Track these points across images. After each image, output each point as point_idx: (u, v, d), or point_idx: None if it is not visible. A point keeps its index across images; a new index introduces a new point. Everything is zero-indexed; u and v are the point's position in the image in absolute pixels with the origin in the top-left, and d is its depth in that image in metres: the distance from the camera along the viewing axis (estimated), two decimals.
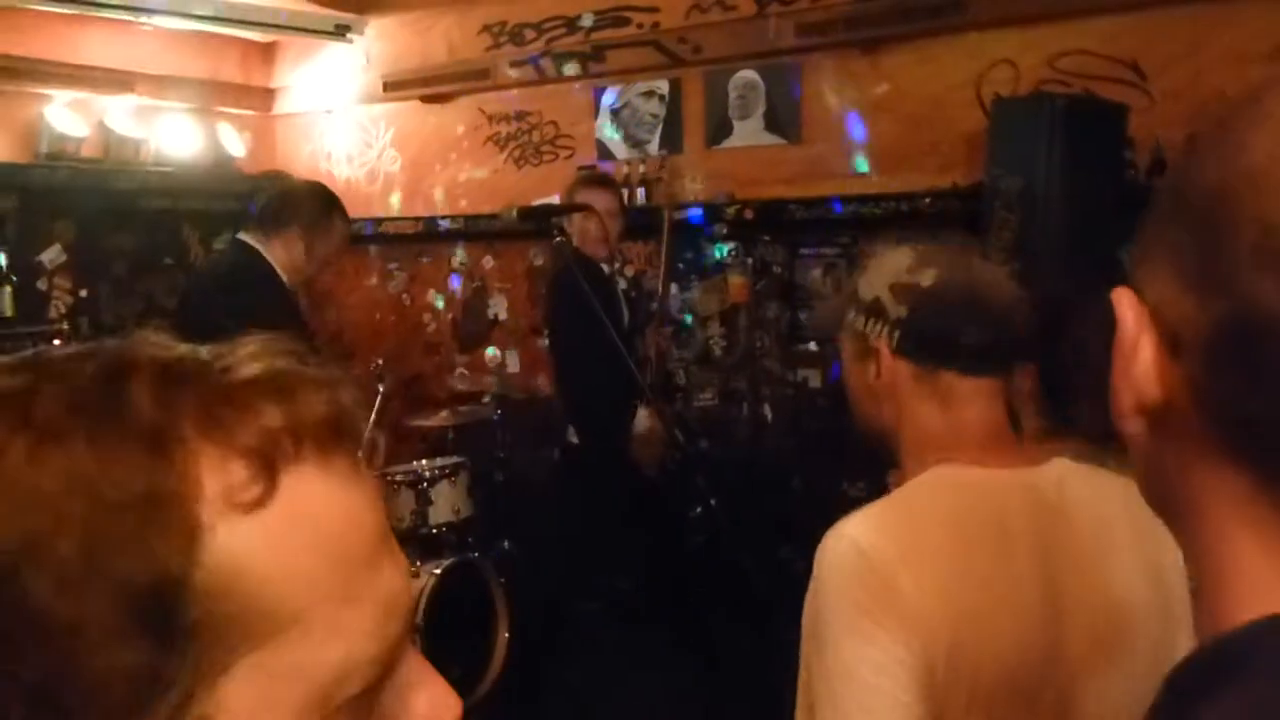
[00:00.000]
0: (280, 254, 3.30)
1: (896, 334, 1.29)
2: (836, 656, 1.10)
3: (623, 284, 3.82)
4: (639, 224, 4.66)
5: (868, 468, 4.16)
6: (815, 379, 4.49)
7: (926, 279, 1.27)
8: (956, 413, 1.27)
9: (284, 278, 3.29)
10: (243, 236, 3.40)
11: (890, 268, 1.31)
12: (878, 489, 1.25)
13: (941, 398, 1.27)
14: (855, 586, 1.12)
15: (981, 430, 1.26)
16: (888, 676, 1.07)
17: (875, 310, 1.31)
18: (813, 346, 4.49)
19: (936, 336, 1.27)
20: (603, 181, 3.91)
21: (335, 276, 5.56)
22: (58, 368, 0.47)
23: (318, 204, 3.44)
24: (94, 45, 5.05)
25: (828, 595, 1.14)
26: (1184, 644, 1.24)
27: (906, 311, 1.28)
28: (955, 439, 1.25)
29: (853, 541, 1.14)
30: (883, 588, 1.10)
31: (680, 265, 4.68)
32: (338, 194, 3.56)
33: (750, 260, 4.57)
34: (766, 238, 4.52)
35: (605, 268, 3.66)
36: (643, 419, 3.52)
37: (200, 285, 3.46)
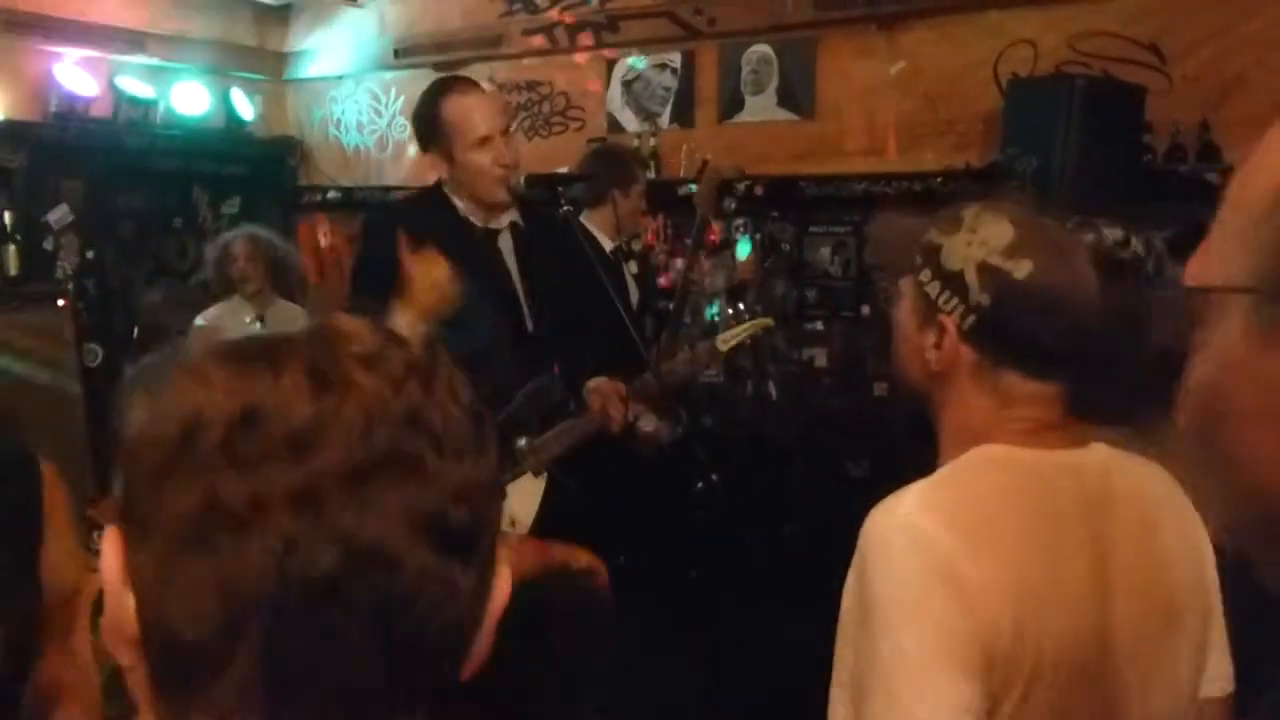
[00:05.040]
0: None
1: (971, 319, 1.18)
2: (894, 645, 1.04)
3: (633, 267, 3.75)
4: (648, 199, 4.62)
5: (871, 448, 4.15)
6: (821, 358, 4.47)
7: (1021, 270, 1.15)
8: (1010, 411, 1.19)
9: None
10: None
11: (985, 242, 1.18)
12: (881, 469, 1.20)
13: (1001, 395, 1.19)
14: (913, 572, 1.06)
15: (1031, 426, 1.19)
16: (947, 667, 1.03)
17: (955, 284, 1.19)
18: (819, 326, 4.47)
19: (1014, 338, 1.17)
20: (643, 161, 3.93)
21: (344, 241, 5.56)
22: None
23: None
24: (106, 3, 5.01)
25: (883, 582, 1.07)
26: (1218, 624, 1.23)
27: (990, 302, 1.16)
28: (1003, 430, 1.18)
29: (907, 525, 1.08)
30: (943, 574, 1.05)
31: (688, 241, 4.65)
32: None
33: (759, 237, 4.54)
34: (776, 214, 4.48)
35: (614, 242, 3.61)
36: (649, 420, 3.47)
37: None
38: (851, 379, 4.36)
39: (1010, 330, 1.17)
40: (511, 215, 2.65)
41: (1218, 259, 0.59)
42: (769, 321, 3.05)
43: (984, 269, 1.17)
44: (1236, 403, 0.56)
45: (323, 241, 5.90)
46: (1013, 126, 3.44)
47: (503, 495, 0.63)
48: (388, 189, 5.56)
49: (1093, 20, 3.76)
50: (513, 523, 2.63)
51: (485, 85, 2.89)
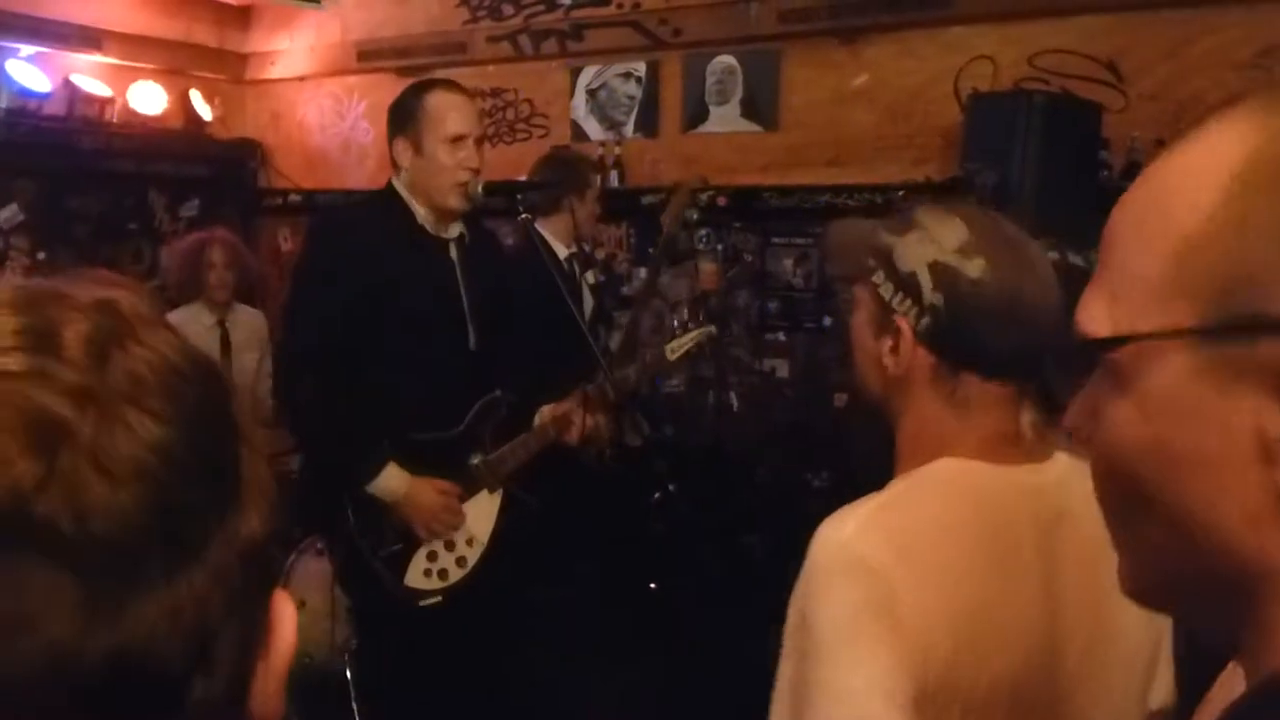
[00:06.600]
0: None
1: (925, 321, 1.16)
2: (829, 671, 1.02)
3: (590, 277, 3.73)
4: (612, 208, 4.62)
5: (832, 458, 4.17)
6: (783, 369, 4.48)
7: (973, 268, 1.13)
8: (970, 416, 1.18)
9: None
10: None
11: (936, 241, 1.16)
12: (842, 480, 1.18)
13: (959, 400, 1.18)
14: (852, 596, 1.03)
15: (992, 434, 1.17)
16: (883, 696, 1.00)
17: (908, 286, 1.16)
18: (781, 337, 4.49)
19: (970, 339, 1.15)
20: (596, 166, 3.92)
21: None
22: None
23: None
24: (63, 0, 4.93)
25: (823, 603, 1.05)
26: (1167, 640, 1.22)
27: (943, 301, 1.14)
28: (961, 441, 1.17)
29: (850, 545, 1.05)
30: (881, 603, 1.02)
31: (650, 249, 4.65)
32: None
33: (721, 247, 4.55)
34: (739, 225, 4.50)
35: (569, 249, 3.58)
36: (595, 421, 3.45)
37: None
38: (813, 390, 4.38)
39: (965, 330, 1.15)
40: (460, 228, 2.62)
41: (1109, 303, 0.55)
42: (711, 329, 3.15)
43: (936, 268, 1.15)
44: (1194, 456, 0.50)
45: (284, 245, 5.84)
46: (973, 141, 3.48)
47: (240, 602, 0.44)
48: (350, 192, 5.51)
49: (1051, 38, 3.81)
50: (470, 541, 2.60)
51: None
